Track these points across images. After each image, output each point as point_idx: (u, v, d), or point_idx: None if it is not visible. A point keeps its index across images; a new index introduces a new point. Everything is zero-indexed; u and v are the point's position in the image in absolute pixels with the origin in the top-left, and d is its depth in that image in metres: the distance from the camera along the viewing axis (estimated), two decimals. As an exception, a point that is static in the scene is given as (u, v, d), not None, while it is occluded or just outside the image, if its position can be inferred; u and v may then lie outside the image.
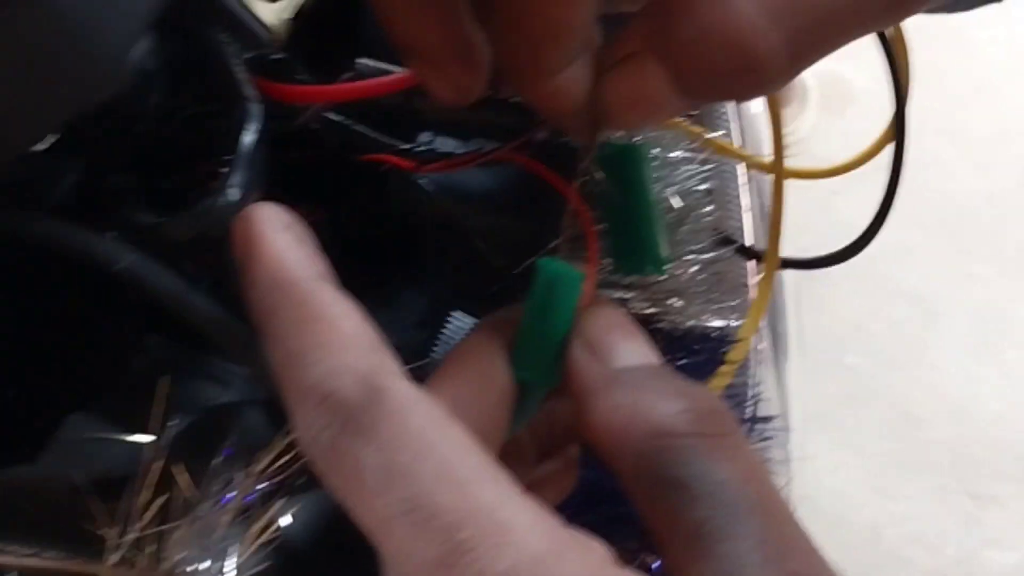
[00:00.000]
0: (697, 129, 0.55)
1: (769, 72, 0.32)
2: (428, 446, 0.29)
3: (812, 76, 2.69)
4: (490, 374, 0.38)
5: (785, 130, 0.52)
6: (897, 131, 0.48)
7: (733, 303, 0.57)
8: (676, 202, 0.52)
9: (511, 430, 0.39)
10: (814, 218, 2.15)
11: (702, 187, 0.53)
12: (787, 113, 2.70)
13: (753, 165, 0.56)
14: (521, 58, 0.36)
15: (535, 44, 0.35)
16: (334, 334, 0.32)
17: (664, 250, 0.48)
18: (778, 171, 0.48)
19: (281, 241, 0.35)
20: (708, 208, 0.53)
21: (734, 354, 0.52)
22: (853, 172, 0.59)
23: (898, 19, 0.35)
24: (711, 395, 0.35)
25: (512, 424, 0.38)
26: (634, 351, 0.37)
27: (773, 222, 0.49)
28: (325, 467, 0.31)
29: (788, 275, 0.88)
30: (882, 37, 0.49)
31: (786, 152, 0.51)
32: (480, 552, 0.27)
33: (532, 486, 0.43)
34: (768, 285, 0.51)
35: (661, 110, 0.36)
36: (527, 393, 0.39)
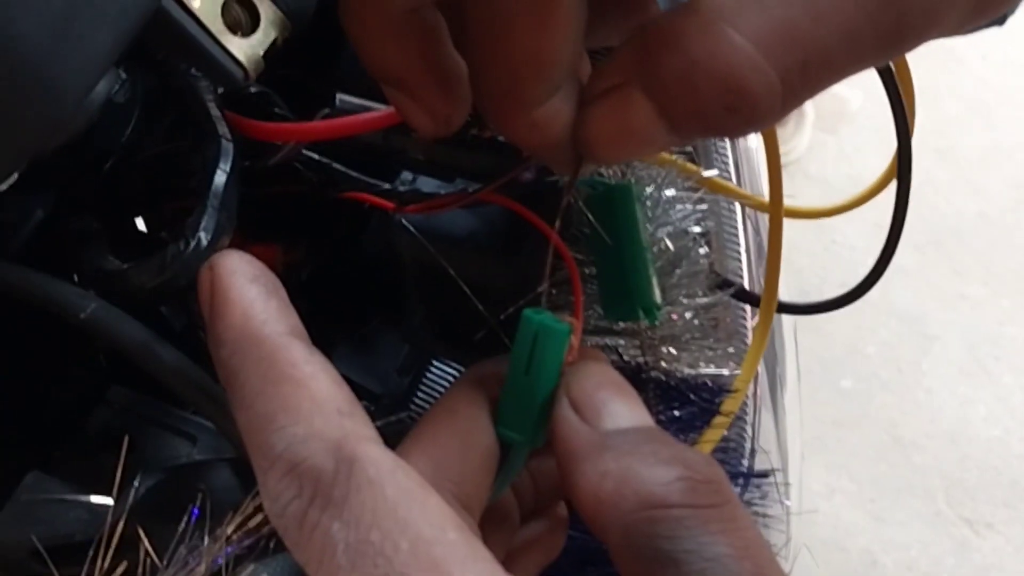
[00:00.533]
0: (692, 167, 0.53)
1: (761, 109, 0.31)
2: (403, 522, 0.28)
3: (807, 95, 2.68)
4: (472, 434, 0.36)
5: (780, 150, 0.50)
6: (901, 171, 0.46)
7: (730, 350, 0.55)
8: (669, 244, 0.50)
9: (495, 493, 0.37)
10: (809, 238, 2.14)
11: (697, 228, 0.51)
12: (783, 133, 2.70)
13: (751, 205, 0.54)
14: (500, 90, 0.35)
15: (514, 76, 0.34)
16: (303, 397, 0.31)
17: (657, 296, 0.46)
18: (775, 214, 0.46)
19: (249, 294, 0.34)
20: (703, 250, 0.51)
21: (728, 405, 0.50)
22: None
23: (894, 55, 0.34)
24: (706, 461, 0.32)
25: (496, 486, 0.37)
26: (625, 412, 0.35)
27: (769, 269, 0.46)
28: (294, 540, 0.30)
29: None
30: (886, 72, 0.47)
31: (784, 193, 0.48)
32: None
33: (519, 549, 0.41)
34: (764, 334, 0.48)
35: (647, 145, 0.34)
36: (511, 453, 0.37)
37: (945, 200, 2.66)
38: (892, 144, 0.50)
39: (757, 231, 0.61)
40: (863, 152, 2.63)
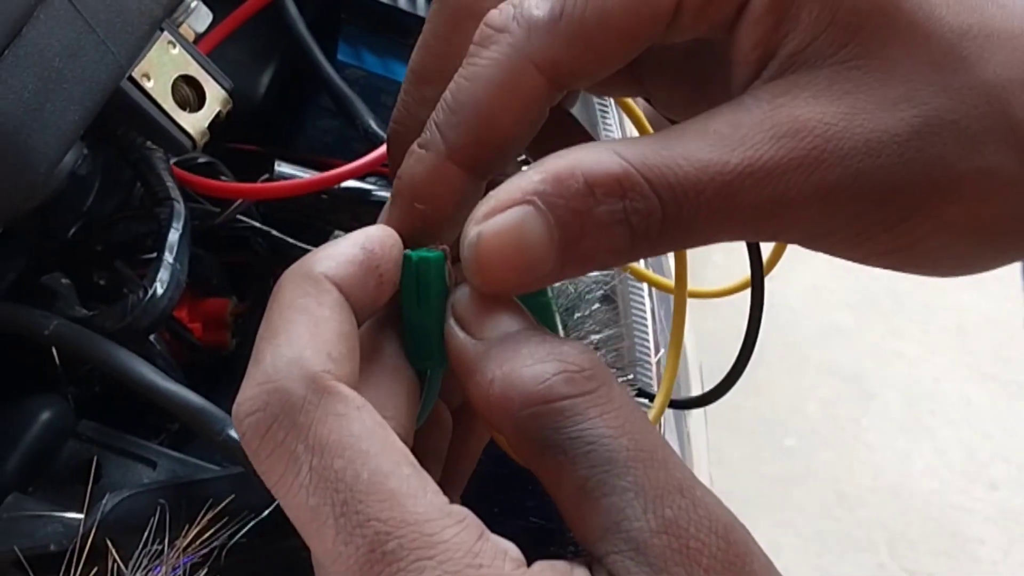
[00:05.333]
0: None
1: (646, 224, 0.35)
2: (364, 455, 0.31)
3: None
4: (397, 370, 0.38)
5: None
6: (754, 278, 0.48)
7: (630, 376, 0.60)
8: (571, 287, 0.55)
9: (420, 418, 0.40)
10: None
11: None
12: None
13: (655, 284, 0.57)
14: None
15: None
16: (307, 331, 0.33)
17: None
18: (680, 293, 0.49)
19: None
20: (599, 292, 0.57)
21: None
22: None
23: None
24: (580, 351, 0.35)
25: (420, 412, 0.40)
26: (502, 318, 0.37)
27: (673, 343, 0.49)
28: (252, 449, 0.32)
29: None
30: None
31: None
32: (404, 564, 0.30)
33: (450, 461, 0.44)
34: (671, 375, 0.51)
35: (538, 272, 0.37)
36: (427, 380, 0.40)
37: (879, 263, 2.72)
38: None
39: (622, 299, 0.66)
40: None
